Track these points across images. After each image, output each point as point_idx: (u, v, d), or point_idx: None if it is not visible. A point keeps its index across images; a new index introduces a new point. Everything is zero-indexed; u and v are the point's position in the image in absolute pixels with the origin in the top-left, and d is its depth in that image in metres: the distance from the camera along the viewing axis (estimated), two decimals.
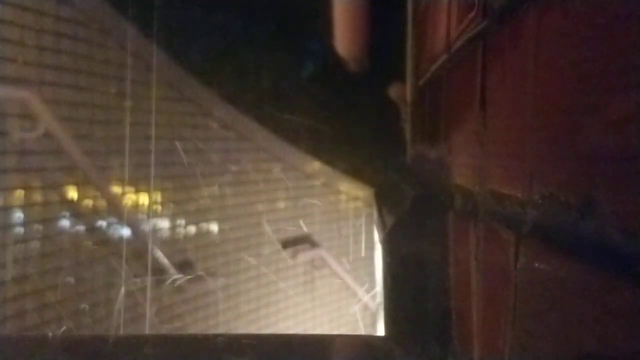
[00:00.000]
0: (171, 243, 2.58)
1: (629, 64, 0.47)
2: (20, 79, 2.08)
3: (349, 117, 2.66)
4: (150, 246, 2.44)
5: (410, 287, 1.32)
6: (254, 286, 2.91)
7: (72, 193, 2.26)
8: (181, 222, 2.64)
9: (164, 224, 2.59)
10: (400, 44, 2.23)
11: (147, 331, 2.36)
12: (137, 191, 2.49)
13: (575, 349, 0.56)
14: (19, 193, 2.07)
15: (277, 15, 2.54)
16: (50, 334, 2.05)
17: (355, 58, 2.45)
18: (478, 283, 0.97)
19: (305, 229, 2.98)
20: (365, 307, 3.14)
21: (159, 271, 2.47)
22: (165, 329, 2.48)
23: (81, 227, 2.28)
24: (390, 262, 1.45)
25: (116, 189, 2.41)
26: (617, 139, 0.49)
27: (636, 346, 0.44)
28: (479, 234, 0.96)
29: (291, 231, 3.00)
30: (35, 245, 2.11)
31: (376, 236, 2.83)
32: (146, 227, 2.50)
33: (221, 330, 2.77)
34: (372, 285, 3.11)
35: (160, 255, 2.47)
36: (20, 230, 2.06)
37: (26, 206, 2.08)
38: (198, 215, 2.69)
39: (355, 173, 2.96)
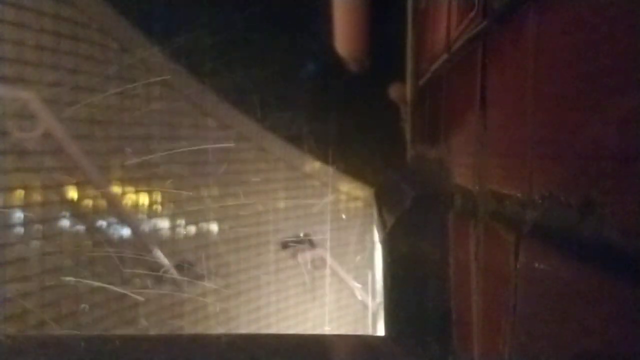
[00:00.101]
0: (171, 243, 2.58)
1: (629, 64, 0.47)
2: (20, 79, 2.08)
3: (349, 117, 2.66)
4: (150, 246, 2.44)
5: (410, 287, 1.32)
6: (254, 286, 2.91)
7: (72, 193, 2.26)
8: (181, 222, 2.64)
9: (164, 224, 2.59)
10: (400, 44, 2.23)
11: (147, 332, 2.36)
12: (137, 191, 2.49)
13: (575, 349, 0.56)
14: (19, 193, 2.07)
15: (277, 15, 2.54)
16: (50, 334, 2.05)
17: (355, 58, 2.45)
18: (478, 283, 0.97)
19: (313, 238, 2.98)
20: (365, 307, 3.14)
21: (158, 271, 2.47)
22: (165, 329, 2.48)
23: (81, 227, 2.28)
24: (390, 262, 1.45)
25: (116, 189, 2.41)
26: (617, 139, 0.49)
27: (636, 346, 0.44)
28: (479, 234, 0.96)
29: (291, 231, 3.00)
30: (35, 245, 2.11)
31: (376, 236, 2.83)
32: (146, 227, 2.50)
33: (221, 330, 2.77)
34: (372, 285, 3.11)
35: (159, 255, 2.47)
36: (20, 230, 2.06)
37: (26, 206, 2.08)
38: (198, 215, 2.69)
39: (355, 173, 2.96)
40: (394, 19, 2.32)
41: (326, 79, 2.69)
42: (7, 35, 2.04)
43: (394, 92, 2.34)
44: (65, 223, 2.24)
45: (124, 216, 2.41)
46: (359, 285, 3.12)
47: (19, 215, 2.07)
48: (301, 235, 3.04)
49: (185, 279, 2.56)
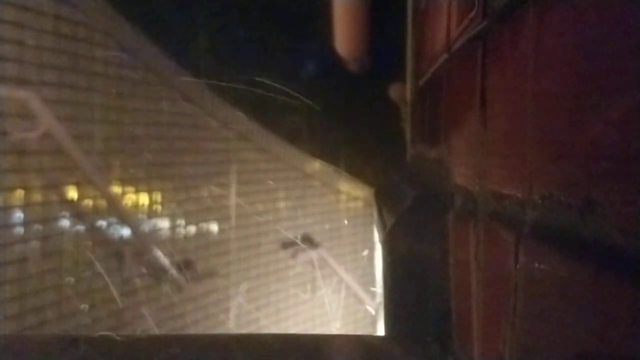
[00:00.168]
0: (171, 243, 2.58)
1: (629, 63, 0.47)
2: (20, 79, 2.08)
3: (349, 117, 2.66)
4: (150, 246, 2.44)
5: (410, 287, 1.32)
6: (254, 286, 2.91)
7: (72, 193, 2.26)
8: (181, 222, 2.64)
9: (164, 224, 2.59)
10: (400, 44, 2.24)
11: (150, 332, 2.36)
12: (137, 191, 2.49)
13: (575, 349, 0.56)
14: (19, 193, 2.07)
15: (278, 15, 2.54)
16: (50, 334, 2.05)
17: (355, 58, 2.45)
18: (478, 283, 0.97)
19: (312, 237, 2.98)
20: (365, 307, 3.14)
21: (159, 271, 2.47)
22: (165, 329, 2.48)
23: (81, 227, 2.28)
24: (390, 262, 1.45)
25: (116, 189, 2.41)
26: (617, 139, 0.49)
27: (636, 346, 0.44)
28: (479, 234, 0.96)
29: (291, 231, 3.00)
30: (35, 245, 2.11)
31: (376, 236, 2.83)
32: (146, 227, 2.50)
33: (221, 330, 2.77)
34: (372, 285, 3.11)
35: (160, 255, 2.47)
36: (20, 230, 2.07)
37: (26, 206, 2.08)
38: (198, 215, 2.69)
39: (355, 173, 2.96)
40: (394, 19, 2.32)
41: (326, 79, 2.69)
42: (7, 36, 2.04)
43: (394, 92, 2.34)
44: (65, 223, 2.24)
45: (124, 216, 2.41)
46: (359, 285, 3.13)
47: (19, 215, 2.07)
48: (301, 235, 3.04)
49: (185, 278, 2.56)
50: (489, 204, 0.91)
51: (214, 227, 2.74)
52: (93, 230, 2.32)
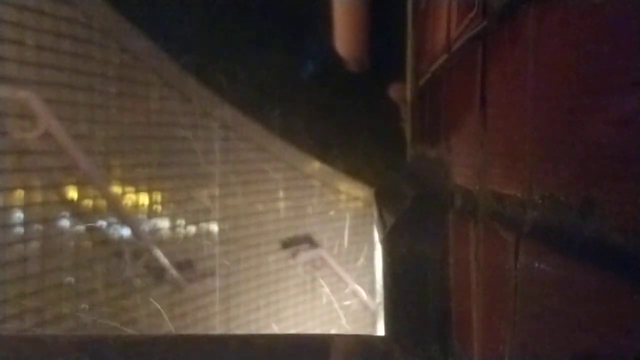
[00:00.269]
0: (171, 243, 2.58)
1: (629, 64, 0.47)
2: (20, 79, 2.08)
3: (349, 117, 2.66)
4: (150, 246, 2.44)
5: (410, 287, 1.32)
6: (254, 286, 2.91)
7: (72, 193, 2.26)
8: (181, 222, 2.64)
9: (164, 224, 2.59)
10: (400, 44, 2.23)
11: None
12: (137, 191, 2.49)
13: (575, 349, 0.56)
14: (19, 193, 2.07)
15: (277, 15, 2.54)
16: (50, 334, 2.05)
17: (355, 58, 2.45)
18: (478, 283, 0.97)
19: (313, 237, 2.98)
20: (365, 307, 3.14)
21: (158, 271, 2.47)
22: (166, 329, 2.48)
23: (81, 227, 2.29)
24: (390, 262, 1.45)
25: (116, 189, 2.41)
26: (617, 139, 0.49)
27: (636, 346, 0.44)
28: (479, 234, 0.96)
29: (291, 231, 3.00)
30: (35, 245, 2.11)
31: (376, 236, 2.83)
32: (146, 227, 2.50)
33: (221, 330, 2.77)
34: (372, 285, 3.11)
35: (160, 255, 2.47)
36: (20, 230, 2.07)
37: (26, 206, 2.08)
38: (198, 215, 2.69)
39: (355, 173, 2.96)
40: (394, 19, 2.32)
41: (326, 79, 2.69)
42: (7, 36, 2.04)
43: (394, 92, 2.34)
44: (65, 223, 2.24)
45: (124, 216, 2.41)
46: (359, 285, 3.12)
47: (18, 215, 2.07)
48: (301, 235, 3.04)
49: (185, 278, 2.56)
50: (489, 204, 0.91)
51: (214, 227, 2.74)
52: (93, 230, 2.32)
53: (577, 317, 0.55)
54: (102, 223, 2.35)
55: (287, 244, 3.01)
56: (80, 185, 2.27)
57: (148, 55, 2.48)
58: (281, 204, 2.99)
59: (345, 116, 2.66)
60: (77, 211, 2.27)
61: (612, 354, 0.49)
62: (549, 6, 0.66)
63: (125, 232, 2.41)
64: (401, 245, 1.36)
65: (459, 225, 1.16)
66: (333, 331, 3.05)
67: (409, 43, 2.21)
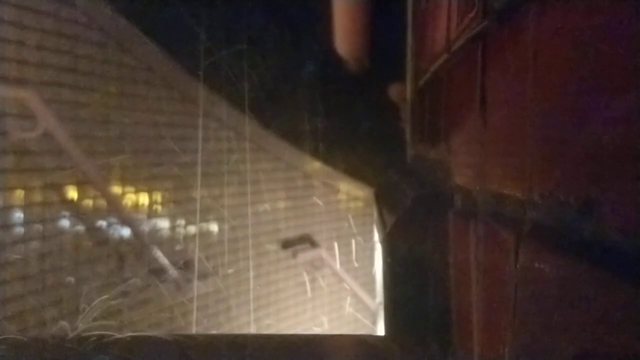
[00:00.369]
0: (171, 243, 2.58)
1: (629, 64, 0.47)
2: (20, 79, 2.08)
3: (349, 117, 2.66)
4: (150, 246, 2.44)
5: (410, 287, 1.32)
6: (254, 286, 2.91)
7: (72, 193, 2.26)
8: (181, 222, 2.64)
9: (164, 224, 2.59)
10: (400, 44, 2.23)
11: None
12: (137, 191, 2.49)
13: (575, 349, 0.56)
14: (19, 193, 2.07)
15: (278, 15, 2.54)
16: (50, 334, 2.05)
17: (355, 58, 2.44)
18: (478, 283, 0.97)
19: (313, 237, 2.98)
20: (365, 307, 3.14)
21: (158, 271, 2.47)
22: (166, 329, 2.48)
23: (81, 227, 2.28)
24: (390, 262, 1.45)
25: (116, 189, 2.41)
26: (617, 139, 0.49)
27: (636, 346, 0.44)
28: (479, 234, 0.96)
29: (291, 231, 3.00)
30: (35, 245, 2.11)
31: (376, 236, 2.83)
32: (146, 227, 2.50)
33: (221, 330, 2.77)
34: (372, 285, 3.11)
35: (160, 255, 2.47)
36: (20, 230, 2.07)
37: (26, 206, 2.08)
38: (198, 215, 2.69)
39: (355, 173, 2.96)
40: (394, 19, 2.32)
41: (326, 79, 2.68)
42: (7, 36, 2.04)
43: (394, 92, 2.34)
44: (65, 223, 2.24)
45: (124, 216, 2.41)
46: (359, 286, 3.12)
47: (18, 215, 2.07)
48: (301, 235, 3.04)
49: (185, 279, 2.56)
50: (489, 204, 0.91)
51: (214, 227, 2.74)
52: (93, 230, 2.32)
53: (577, 317, 0.55)
54: (102, 223, 2.35)
55: (287, 244, 3.01)
56: (80, 185, 2.27)
57: (148, 55, 2.47)
58: (281, 204, 2.99)
59: (345, 116, 2.66)
60: (77, 211, 2.27)
61: (611, 353, 0.49)
62: (549, 6, 0.66)
63: (125, 232, 2.41)
64: (401, 245, 1.36)
65: (459, 225, 1.16)
66: (333, 331, 3.05)
67: (409, 43, 2.21)
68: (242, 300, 2.86)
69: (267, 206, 2.91)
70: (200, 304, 2.68)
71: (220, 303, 2.76)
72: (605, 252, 0.49)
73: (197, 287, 2.62)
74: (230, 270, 2.78)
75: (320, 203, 3.03)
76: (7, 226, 2.03)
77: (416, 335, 1.30)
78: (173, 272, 2.50)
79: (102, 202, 2.35)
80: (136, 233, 2.43)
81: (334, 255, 3.07)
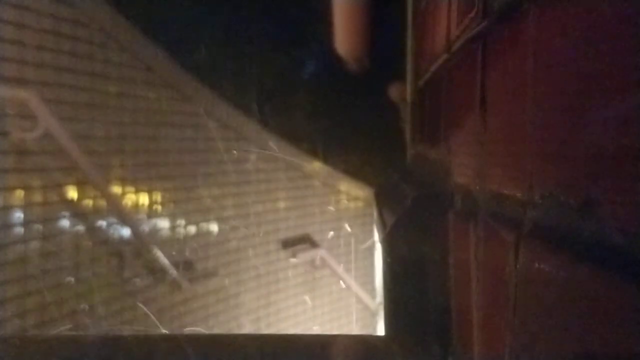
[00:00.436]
0: (171, 243, 2.58)
1: (629, 64, 0.47)
2: (20, 79, 2.08)
3: (349, 117, 2.66)
4: (150, 246, 2.44)
5: (410, 287, 1.32)
6: (254, 286, 2.91)
7: (72, 193, 2.26)
8: (181, 222, 2.64)
9: (164, 224, 2.59)
10: (400, 44, 2.23)
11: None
12: (137, 191, 2.49)
13: (575, 349, 0.56)
14: (19, 193, 2.07)
15: (278, 15, 2.54)
16: (50, 334, 2.05)
17: (355, 58, 2.45)
18: (478, 283, 0.97)
19: (313, 237, 2.98)
20: (365, 307, 3.14)
21: (158, 271, 2.47)
22: (166, 329, 2.48)
23: (81, 227, 2.28)
24: (390, 262, 1.45)
25: (116, 189, 2.41)
26: (617, 139, 0.49)
27: (636, 346, 0.44)
28: (479, 234, 0.96)
29: (291, 231, 3.00)
30: (35, 245, 2.11)
31: (376, 236, 2.83)
32: (146, 227, 2.50)
33: (221, 330, 2.77)
34: (372, 286, 3.11)
35: (159, 255, 2.47)
36: (20, 230, 2.07)
37: (26, 206, 2.08)
38: (198, 215, 2.69)
39: (355, 173, 2.96)
40: (394, 19, 2.32)
41: (326, 79, 2.68)
42: (7, 36, 2.04)
43: (394, 92, 2.34)
44: (65, 223, 2.24)
45: (124, 216, 2.41)
46: (359, 286, 3.12)
47: (18, 215, 2.07)
48: (301, 235, 3.04)
49: (185, 278, 2.56)
50: (489, 204, 0.91)
51: (213, 227, 2.74)
52: (93, 230, 2.32)
53: (577, 317, 0.55)
54: (102, 223, 2.35)
55: (287, 244, 3.01)
56: (80, 185, 2.27)
57: (148, 55, 2.47)
58: (281, 204, 2.99)
59: (345, 116, 2.66)
60: (77, 211, 2.27)
61: (611, 353, 0.49)
62: (548, 6, 0.66)
63: (125, 232, 2.41)
64: (401, 245, 1.36)
65: (459, 225, 1.16)
66: (333, 331, 3.05)
67: (409, 43, 2.21)
68: (242, 300, 2.86)
69: (267, 206, 2.92)
70: (200, 304, 2.68)
71: (220, 303, 2.76)
72: (605, 252, 0.49)
73: (197, 287, 2.62)
74: (230, 271, 2.78)
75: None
76: (7, 226, 2.03)
77: (416, 335, 1.30)
78: (173, 272, 2.50)
79: (102, 202, 2.35)
80: (136, 233, 2.43)
81: (334, 255, 3.07)
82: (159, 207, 2.57)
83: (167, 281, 2.49)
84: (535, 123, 0.69)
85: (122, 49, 2.41)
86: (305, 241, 3.05)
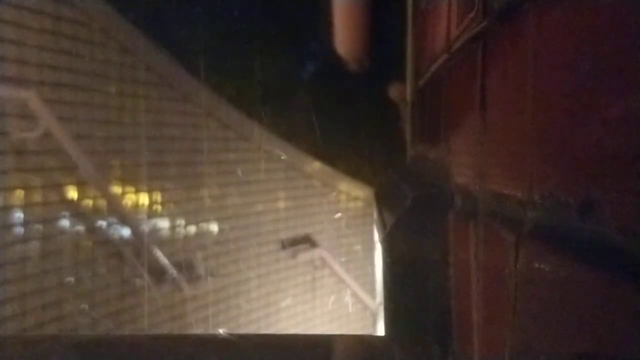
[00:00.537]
0: (171, 243, 2.58)
1: (629, 64, 0.47)
2: (20, 79, 2.08)
3: (349, 117, 2.66)
4: (150, 246, 2.44)
5: (410, 287, 1.32)
6: (254, 286, 2.91)
7: (72, 193, 2.26)
8: (181, 222, 2.64)
9: (164, 224, 2.59)
10: (400, 44, 2.23)
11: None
12: (137, 191, 2.49)
13: (575, 349, 0.56)
14: (19, 193, 2.07)
15: (278, 15, 2.54)
16: (50, 334, 2.05)
17: (355, 58, 2.45)
18: (478, 283, 0.97)
19: (313, 237, 2.98)
20: (365, 307, 3.14)
21: (158, 271, 2.47)
22: (166, 329, 2.48)
23: (81, 227, 2.28)
24: (390, 262, 1.45)
25: (116, 189, 2.41)
26: (617, 139, 0.49)
27: (636, 346, 0.44)
28: (479, 234, 0.96)
29: (291, 231, 3.00)
30: (35, 245, 2.11)
31: (376, 236, 2.83)
32: (146, 227, 2.50)
33: (221, 330, 2.76)
34: (372, 286, 3.11)
35: (159, 255, 2.47)
36: (20, 230, 2.06)
37: (26, 206, 2.08)
38: (198, 215, 2.69)
39: (355, 173, 2.96)
40: (394, 19, 2.32)
41: (326, 79, 2.68)
42: (7, 36, 2.04)
43: (394, 92, 2.34)
44: (65, 223, 2.24)
45: (124, 216, 2.41)
46: (359, 286, 3.12)
47: (18, 215, 2.07)
48: (301, 235, 3.04)
49: (185, 278, 2.56)
50: (489, 204, 0.91)
51: (214, 227, 2.74)
52: (93, 230, 2.32)
53: (577, 317, 0.55)
54: (102, 223, 2.35)
55: (287, 244, 3.01)
56: (80, 185, 2.27)
57: (148, 55, 2.47)
58: (281, 204, 2.99)
59: (345, 116, 2.66)
60: (77, 211, 2.27)
61: (611, 354, 0.49)
62: (549, 6, 0.66)
63: (125, 232, 2.41)
64: (401, 245, 1.36)
65: (459, 225, 1.16)
66: (333, 331, 3.05)
67: (409, 43, 2.20)
68: (242, 300, 2.86)
69: (267, 206, 2.91)
70: (200, 304, 2.68)
71: (219, 303, 2.76)
72: (605, 252, 0.49)
73: (197, 287, 2.62)
74: (230, 271, 2.78)
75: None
76: (7, 226, 2.03)
77: (416, 335, 1.30)
78: (173, 272, 2.50)
79: (102, 202, 2.35)
80: (136, 233, 2.43)
81: (334, 255, 3.07)
82: (159, 207, 2.57)
83: (167, 281, 2.49)
84: (535, 123, 0.69)
85: (122, 49, 2.41)
86: (305, 241, 3.05)
